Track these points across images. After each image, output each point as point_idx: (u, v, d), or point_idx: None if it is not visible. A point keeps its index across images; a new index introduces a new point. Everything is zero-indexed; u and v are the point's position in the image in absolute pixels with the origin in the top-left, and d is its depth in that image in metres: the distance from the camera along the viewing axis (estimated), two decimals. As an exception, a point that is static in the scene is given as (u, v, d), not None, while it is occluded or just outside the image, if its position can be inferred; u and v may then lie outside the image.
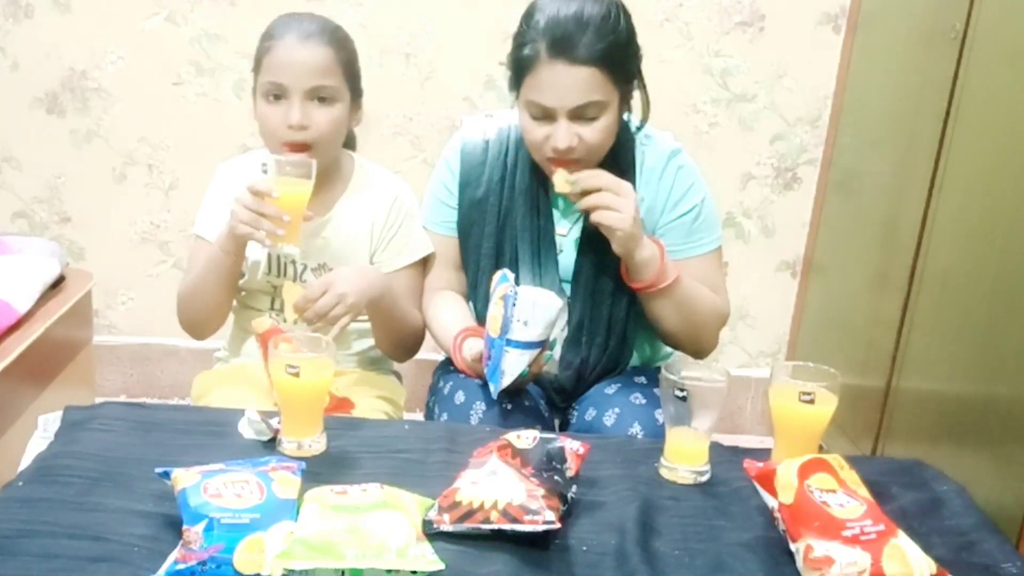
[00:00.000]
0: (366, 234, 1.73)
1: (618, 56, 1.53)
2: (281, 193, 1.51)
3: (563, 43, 1.49)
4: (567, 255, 1.68)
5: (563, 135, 1.53)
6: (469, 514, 1.13)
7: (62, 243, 2.54)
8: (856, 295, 2.45)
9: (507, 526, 1.11)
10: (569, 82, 1.50)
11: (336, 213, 1.72)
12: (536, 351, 1.47)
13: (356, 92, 1.69)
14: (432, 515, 1.15)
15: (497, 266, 1.68)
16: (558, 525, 1.12)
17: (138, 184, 2.70)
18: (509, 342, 1.45)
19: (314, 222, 1.67)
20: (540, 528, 1.11)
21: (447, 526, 1.13)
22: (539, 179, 1.67)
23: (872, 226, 2.38)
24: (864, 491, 1.18)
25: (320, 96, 1.61)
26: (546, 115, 1.54)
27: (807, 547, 1.10)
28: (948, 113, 2.01)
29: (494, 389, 1.48)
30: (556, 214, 1.69)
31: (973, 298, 1.87)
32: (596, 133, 1.55)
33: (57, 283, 2.13)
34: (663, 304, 1.60)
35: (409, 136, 2.65)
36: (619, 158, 1.64)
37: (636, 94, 1.65)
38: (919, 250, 2.10)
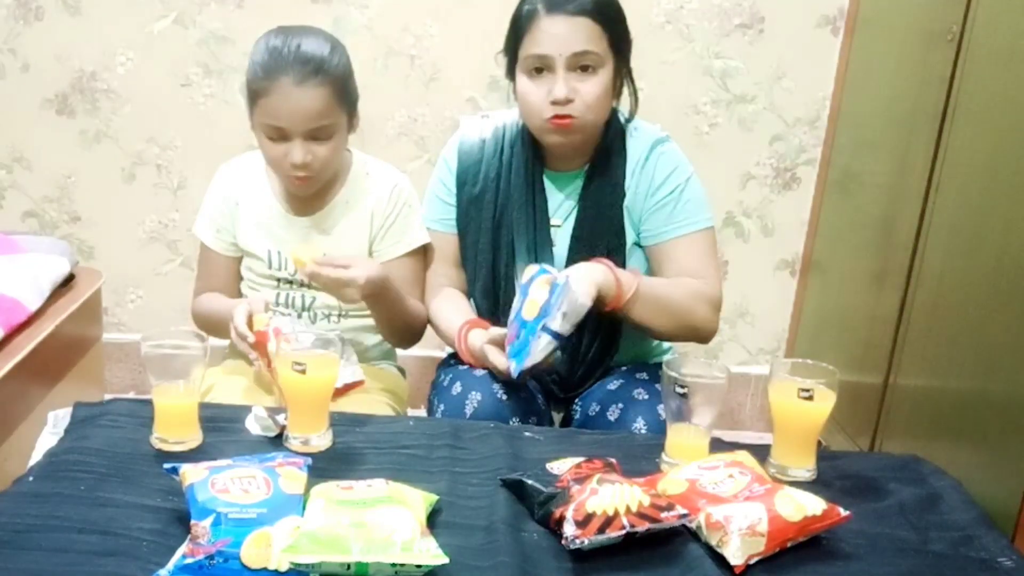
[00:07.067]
0: (365, 224, 1.74)
1: (611, 16, 1.60)
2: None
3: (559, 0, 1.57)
4: (561, 247, 1.71)
5: (561, 85, 1.57)
6: (607, 523, 1.10)
7: (72, 242, 2.56)
8: (854, 293, 2.46)
9: (647, 527, 1.11)
10: (567, 30, 1.57)
11: (336, 204, 1.74)
12: (558, 344, 1.48)
13: (352, 111, 1.68)
14: (569, 532, 1.09)
15: (495, 260, 1.71)
16: (693, 515, 1.15)
17: (147, 184, 2.72)
18: (545, 328, 1.46)
19: (314, 215, 1.73)
20: (678, 523, 1.13)
21: (588, 540, 1.08)
22: (534, 174, 1.71)
23: (870, 225, 2.39)
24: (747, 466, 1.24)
25: (320, 136, 1.62)
26: (546, 67, 1.58)
27: (707, 515, 1.14)
28: (945, 114, 2.02)
29: (515, 367, 1.50)
30: (550, 207, 1.72)
31: (969, 296, 1.88)
32: (593, 88, 1.58)
33: (67, 281, 2.15)
34: (638, 313, 1.58)
35: (414, 137, 2.68)
36: (610, 149, 1.68)
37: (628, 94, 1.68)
38: (916, 248, 2.11)
